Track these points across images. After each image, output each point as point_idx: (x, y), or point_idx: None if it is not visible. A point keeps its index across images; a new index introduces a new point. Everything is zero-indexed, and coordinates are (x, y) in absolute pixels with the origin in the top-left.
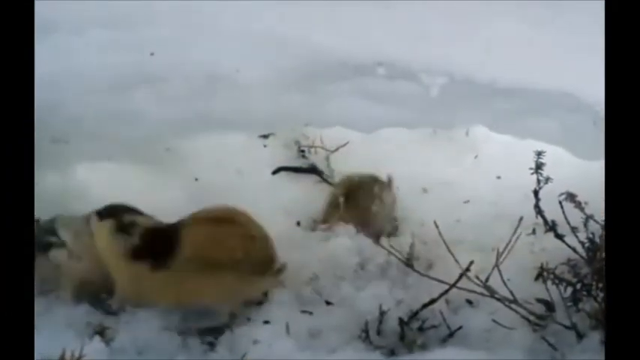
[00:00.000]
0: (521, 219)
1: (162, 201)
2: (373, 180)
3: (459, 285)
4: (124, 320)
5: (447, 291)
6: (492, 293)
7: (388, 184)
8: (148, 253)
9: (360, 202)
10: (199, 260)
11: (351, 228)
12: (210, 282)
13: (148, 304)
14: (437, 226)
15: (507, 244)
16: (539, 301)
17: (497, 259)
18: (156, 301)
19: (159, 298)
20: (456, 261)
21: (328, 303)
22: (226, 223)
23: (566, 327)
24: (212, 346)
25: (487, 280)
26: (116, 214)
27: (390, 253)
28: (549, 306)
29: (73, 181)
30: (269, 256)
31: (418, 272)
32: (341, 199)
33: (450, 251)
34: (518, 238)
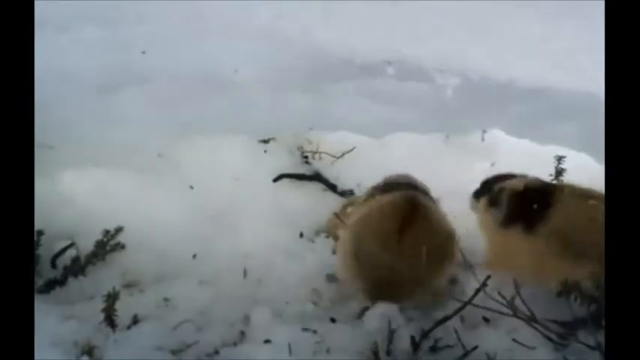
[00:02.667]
0: None
1: (155, 210)
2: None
3: (475, 302)
4: (113, 339)
5: (462, 307)
6: (514, 311)
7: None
8: (519, 217)
9: None
10: (565, 237)
11: None
12: (570, 264)
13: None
14: None
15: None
16: (560, 322)
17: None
18: (522, 264)
19: (526, 262)
20: (474, 274)
21: (333, 320)
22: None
23: (590, 347)
24: None
25: (513, 299)
26: (489, 188)
27: None
28: (572, 324)
29: (59, 188)
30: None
31: None
32: None
33: (468, 264)
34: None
